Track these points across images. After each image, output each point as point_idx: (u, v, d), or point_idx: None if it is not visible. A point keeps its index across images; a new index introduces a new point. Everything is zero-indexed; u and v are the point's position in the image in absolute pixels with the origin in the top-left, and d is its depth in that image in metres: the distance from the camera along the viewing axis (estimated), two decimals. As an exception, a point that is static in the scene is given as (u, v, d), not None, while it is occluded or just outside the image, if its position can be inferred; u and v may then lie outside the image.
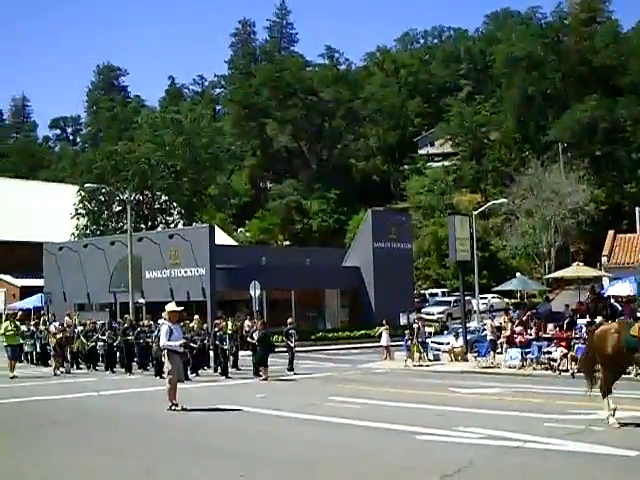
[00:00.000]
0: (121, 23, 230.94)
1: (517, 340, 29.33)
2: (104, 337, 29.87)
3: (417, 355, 32.13)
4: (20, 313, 35.69)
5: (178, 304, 19.13)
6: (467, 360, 31.37)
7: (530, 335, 29.12)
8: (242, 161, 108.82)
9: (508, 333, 29.90)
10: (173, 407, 17.03)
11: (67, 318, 34.33)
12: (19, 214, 67.68)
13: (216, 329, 29.04)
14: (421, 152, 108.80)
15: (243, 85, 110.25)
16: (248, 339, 28.84)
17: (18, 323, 29.32)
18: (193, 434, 14.42)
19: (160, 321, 20.02)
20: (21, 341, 28.93)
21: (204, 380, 25.95)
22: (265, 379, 25.34)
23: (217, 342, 28.22)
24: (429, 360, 32.27)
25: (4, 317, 47.80)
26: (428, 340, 33.96)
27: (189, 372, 25.84)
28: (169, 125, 69.77)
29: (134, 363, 29.27)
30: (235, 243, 78.03)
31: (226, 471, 11.02)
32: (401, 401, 18.84)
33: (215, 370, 28.42)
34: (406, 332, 32.48)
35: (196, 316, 30.26)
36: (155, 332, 20.10)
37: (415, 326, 32.59)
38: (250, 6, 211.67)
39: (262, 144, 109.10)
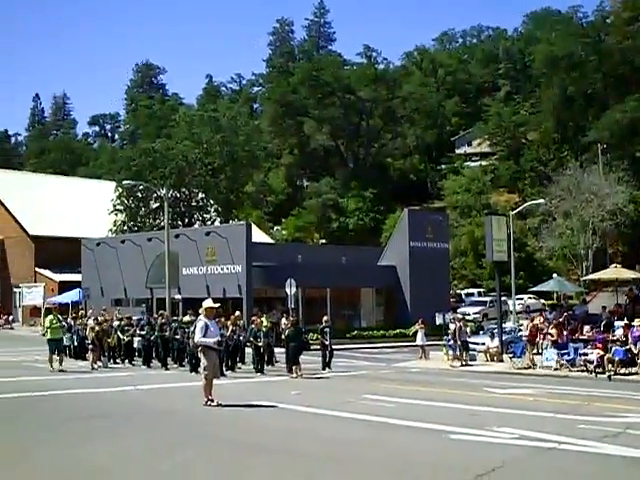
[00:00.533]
0: (160, 21, 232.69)
1: (553, 341, 29.19)
2: (142, 332, 30.07)
3: (451, 354, 32.05)
4: (56, 307, 36.12)
5: (214, 301, 19.22)
6: (502, 361, 31.27)
7: (566, 337, 28.99)
8: (279, 159, 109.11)
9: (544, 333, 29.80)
10: (209, 403, 17.13)
11: (103, 313, 34.73)
12: (58, 210, 68.39)
13: (252, 326, 29.17)
14: (458, 152, 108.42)
15: (281, 84, 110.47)
16: (283, 336, 29.06)
17: (60, 317, 29.60)
18: (227, 430, 14.52)
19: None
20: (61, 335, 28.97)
21: (239, 376, 26.09)
22: (296, 377, 25.38)
23: (252, 339, 28.34)
24: (465, 361, 31.97)
25: (44, 311, 48.34)
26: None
27: (224, 368, 26.01)
28: (207, 123, 70.09)
29: (170, 358, 29.43)
30: (271, 241, 78.23)
31: (260, 466, 11.08)
32: (435, 400, 18.82)
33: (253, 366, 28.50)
34: (449, 332, 32.30)
35: (237, 312, 30.45)
36: (191, 328, 20.19)
37: (452, 326, 32.44)
38: (288, 5, 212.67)
39: (299, 142, 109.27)
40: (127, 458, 11.63)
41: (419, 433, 14.07)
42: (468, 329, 31.78)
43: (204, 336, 17.38)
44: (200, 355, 17.83)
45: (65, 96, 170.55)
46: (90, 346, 29.77)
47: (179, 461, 11.36)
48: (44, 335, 30.98)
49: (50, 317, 27.75)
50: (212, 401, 17.16)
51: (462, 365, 30.66)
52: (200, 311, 18.27)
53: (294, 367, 25.87)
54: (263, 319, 31.45)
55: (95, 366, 28.31)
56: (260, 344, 27.92)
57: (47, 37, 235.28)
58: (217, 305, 18.89)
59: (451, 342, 31.83)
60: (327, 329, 29.06)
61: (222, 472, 10.74)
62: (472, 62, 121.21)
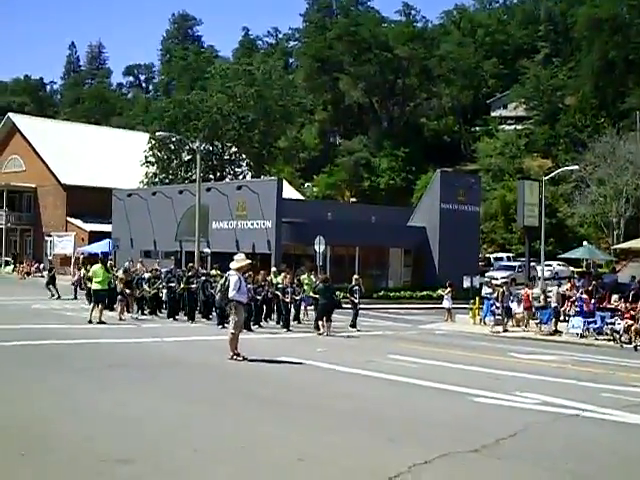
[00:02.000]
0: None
1: (580, 309, 29.09)
2: (171, 284, 30.18)
3: (491, 320, 31.80)
4: (82, 257, 36.38)
5: (246, 256, 19.25)
6: (528, 325, 31.20)
7: (594, 305, 28.86)
8: (313, 115, 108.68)
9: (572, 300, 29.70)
10: (235, 357, 17.28)
11: (138, 264, 34.76)
12: (91, 159, 68.73)
13: (278, 281, 29.29)
14: (494, 114, 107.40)
15: (317, 39, 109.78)
16: (311, 293, 29.16)
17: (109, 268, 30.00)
18: (249, 383, 14.64)
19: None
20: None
21: (266, 332, 26.24)
22: (322, 333, 25.46)
23: (279, 294, 28.45)
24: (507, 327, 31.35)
25: (82, 259, 48.69)
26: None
27: (251, 323, 26.17)
28: (241, 76, 69.84)
29: (197, 311, 29.60)
30: (302, 197, 78.22)
31: (278, 421, 11.18)
32: (459, 363, 18.85)
33: (277, 322, 28.68)
34: (492, 296, 32.02)
35: (262, 271, 30.56)
36: (220, 281, 20.06)
37: (487, 290, 32.27)
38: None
39: (334, 99, 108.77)
40: (149, 405, 11.78)
41: (441, 394, 14.13)
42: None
43: (237, 292, 17.46)
44: (231, 310, 17.93)
45: (101, 45, 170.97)
46: (119, 297, 29.92)
47: (202, 411, 11.51)
48: (86, 284, 31.25)
49: (98, 267, 27.39)
50: (238, 355, 17.30)
51: (504, 331, 30.33)
52: (231, 266, 18.25)
53: (323, 324, 25.88)
54: (304, 276, 31.68)
55: (123, 317, 28.44)
56: (287, 300, 28.04)
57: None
58: (249, 261, 18.92)
59: (493, 307, 31.52)
60: (356, 288, 29.12)
61: (233, 423, 10.84)
62: (512, 23, 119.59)
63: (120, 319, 27.92)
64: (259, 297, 27.67)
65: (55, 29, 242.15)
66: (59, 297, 38.35)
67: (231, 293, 17.56)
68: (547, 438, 10.68)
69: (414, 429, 10.96)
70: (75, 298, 37.91)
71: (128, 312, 29.68)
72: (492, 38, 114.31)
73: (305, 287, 30.53)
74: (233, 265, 18.18)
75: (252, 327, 26.03)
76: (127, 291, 29.65)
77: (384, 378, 15.64)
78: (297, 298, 29.49)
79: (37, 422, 10.37)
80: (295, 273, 34.09)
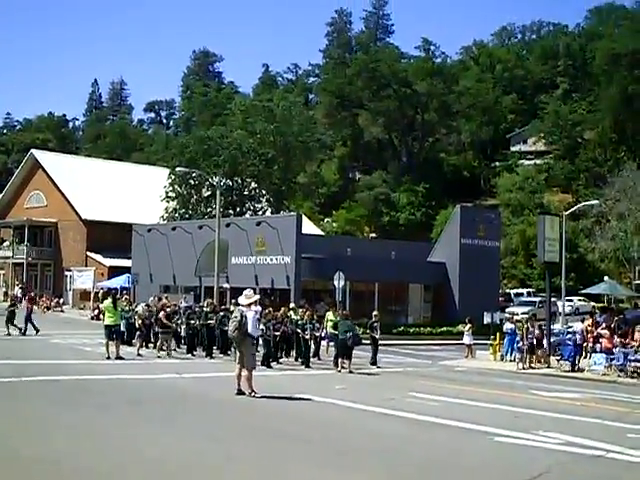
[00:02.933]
0: (218, 9, 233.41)
1: (603, 345, 28.75)
2: (190, 320, 30.11)
3: (518, 356, 31.46)
4: (102, 292, 36.16)
5: (263, 291, 19.31)
6: (549, 363, 30.85)
7: (616, 341, 28.50)
8: (332, 151, 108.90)
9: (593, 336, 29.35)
10: (253, 393, 17.17)
11: (159, 299, 34.61)
12: (111, 195, 69.02)
13: (297, 317, 29.15)
14: (513, 149, 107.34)
15: (337, 75, 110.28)
16: (331, 329, 29.02)
17: (121, 302, 29.79)
18: (269, 421, 14.54)
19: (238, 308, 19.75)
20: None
21: (285, 369, 26.07)
22: (343, 370, 25.26)
23: (298, 330, 28.29)
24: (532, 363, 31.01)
25: (101, 295, 48.71)
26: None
27: (270, 360, 26.04)
28: (261, 112, 70.17)
29: (215, 347, 29.48)
30: (321, 233, 78.22)
31: (299, 458, 11.05)
32: (480, 401, 18.65)
33: (296, 359, 28.48)
34: (518, 332, 31.62)
35: (283, 308, 30.43)
36: (236, 317, 19.71)
37: (509, 326, 32.01)
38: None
39: (353, 134, 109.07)
40: (165, 442, 11.68)
41: (462, 434, 13.95)
42: (536, 331, 31.06)
43: (255, 328, 17.44)
44: (247, 346, 17.83)
45: (122, 82, 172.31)
46: (137, 332, 29.90)
47: (218, 449, 11.39)
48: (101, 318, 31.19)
49: (108, 302, 27.31)
50: (256, 392, 17.28)
51: (530, 367, 29.98)
52: (241, 301, 18.17)
53: (343, 361, 25.64)
54: (329, 313, 31.53)
55: (141, 352, 28.37)
56: (307, 336, 27.85)
57: (106, 23, 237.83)
58: (257, 297, 18.81)
59: (520, 344, 31.10)
60: (376, 324, 28.93)
61: (257, 461, 10.72)
62: (530, 58, 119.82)
63: (138, 354, 27.85)
64: (277, 333, 27.49)
65: (78, 67, 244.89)
66: (23, 332, 35.61)
67: (252, 329, 17.46)
68: (572, 480, 10.51)
69: (435, 470, 10.81)
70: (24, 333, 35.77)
71: (146, 348, 29.57)
72: (511, 73, 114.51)
73: (329, 323, 30.38)
74: (243, 301, 18.14)
75: (271, 364, 25.88)
76: (143, 329, 29.64)
77: (404, 417, 15.48)
78: (317, 334, 29.31)
79: (49, 460, 10.28)
80: (314, 309, 33.97)
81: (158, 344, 28.95)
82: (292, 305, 33.09)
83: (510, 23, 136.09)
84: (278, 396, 17.53)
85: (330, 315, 31.33)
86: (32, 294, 36.77)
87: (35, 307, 57.84)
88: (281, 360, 28.02)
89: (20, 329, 35.60)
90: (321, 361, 29.03)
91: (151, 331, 31.66)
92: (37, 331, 35.83)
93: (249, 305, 17.96)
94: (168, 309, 29.85)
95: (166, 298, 34.91)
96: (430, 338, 44.29)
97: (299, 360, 27.90)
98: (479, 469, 10.93)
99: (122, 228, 60.02)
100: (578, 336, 29.74)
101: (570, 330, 32.68)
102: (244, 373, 17.54)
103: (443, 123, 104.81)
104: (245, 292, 18.48)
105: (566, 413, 17.02)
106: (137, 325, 30.09)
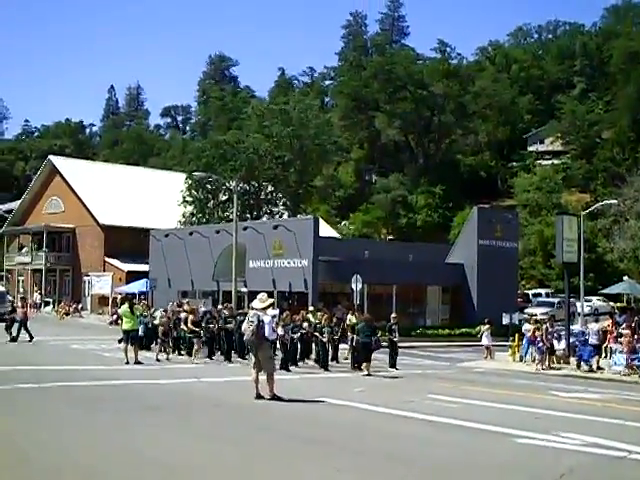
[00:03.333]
0: (234, 14, 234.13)
1: (623, 345, 28.56)
2: (209, 325, 30.08)
3: (537, 357, 31.40)
4: (120, 297, 35.97)
5: (280, 294, 19.37)
6: (569, 363, 30.69)
7: (637, 341, 28.31)
8: (349, 153, 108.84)
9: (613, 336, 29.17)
10: (275, 398, 17.18)
11: (179, 305, 34.50)
12: (128, 200, 69.24)
13: (316, 321, 29.11)
14: (530, 149, 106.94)
15: (353, 77, 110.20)
16: (349, 332, 28.98)
17: (138, 307, 29.68)
18: (289, 425, 14.49)
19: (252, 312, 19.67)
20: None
21: (303, 372, 26.02)
22: (365, 374, 25.14)
23: (316, 334, 28.23)
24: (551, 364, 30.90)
25: (119, 300, 48.71)
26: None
27: (289, 363, 26.02)
28: (277, 116, 70.21)
29: (233, 351, 29.45)
30: (338, 236, 78.16)
31: (318, 462, 11.00)
32: (500, 402, 18.53)
33: (316, 361, 28.39)
34: (538, 334, 31.43)
35: (302, 311, 30.38)
36: (253, 321, 19.53)
37: (528, 327, 31.85)
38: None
39: (370, 137, 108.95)
40: (186, 447, 11.64)
41: (483, 435, 13.85)
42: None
43: (273, 332, 17.45)
44: (263, 350, 17.76)
45: (139, 87, 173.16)
46: (159, 339, 29.89)
47: (236, 452, 11.35)
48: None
49: (125, 307, 27.33)
50: (278, 396, 17.34)
51: (549, 368, 29.84)
52: (256, 305, 18.07)
53: (364, 364, 25.56)
54: (351, 316, 31.48)
55: (160, 357, 28.35)
56: (325, 339, 27.79)
57: (121, 30, 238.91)
58: (272, 300, 18.83)
59: (540, 344, 30.90)
60: (394, 327, 28.81)
61: (275, 465, 10.67)
62: (547, 58, 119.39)
63: (157, 360, 27.84)
64: (296, 336, 27.44)
65: (94, 73, 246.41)
66: (14, 339, 34.06)
67: (269, 333, 17.47)
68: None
69: (454, 472, 10.72)
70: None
71: (165, 352, 29.54)
72: (527, 74, 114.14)
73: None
74: (258, 305, 17.98)
75: (289, 367, 25.85)
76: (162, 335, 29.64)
77: (424, 419, 15.39)
78: (335, 337, 29.24)
79: (66, 466, 10.27)
80: (332, 312, 33.92)
81: (194, 349, 28.68)
82: (311, 308, 33.03)
83: (526, 23, 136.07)
84: (296, 399, 17.47)
85: (353, 318, 31.27)
86: (27, 301, 35.27)
87: (36, 314, 57.60)
88: (299, 363, 27.97)
89: (13, 337, 33.99)
90: (339, 364, 28.96)
91: (169, 337, 31.74)
92: (31, 338, 34.04)
93: (264, 309, 17.85)
94: (191, 315, 29.72)
95: (187, 303, 34.77)
96: (449, 340, 44.15)
97: (318, 363, 27.84)
98: (500, 471, 10.84)
99: (140, 233, 60.21)
100: (594, 336, 29.54)
101: (574, 330, 32.54)
102: (262, 377, 17.45)
103: (459, 124, 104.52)
104: (259, 296, 18.39)
105: (587, 414, 16.88)
106: (158, 331, 30.09)
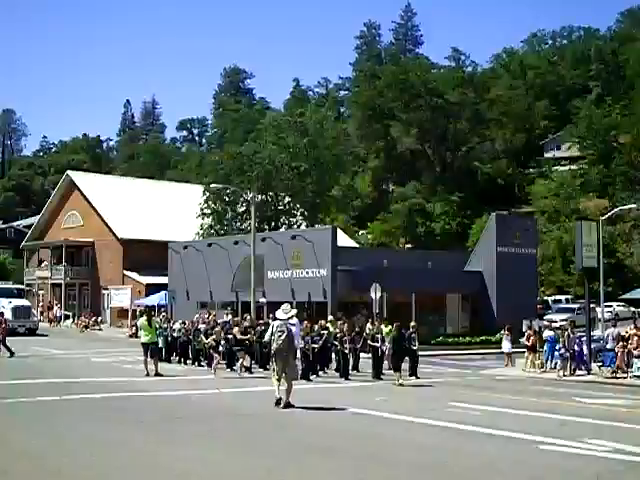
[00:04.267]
0: (248, 27, 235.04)
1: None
2: (228, 335, 30.00)
3: (538, 362, 31.38)
4: (139, 310, 35.94)
5: (299, 305, 19.57)
6: (591, 369, 30.49)
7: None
8: (365, 163, 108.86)
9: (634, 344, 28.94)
10: (290, 406, 17.40)
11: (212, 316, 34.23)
12: (146, 213, 69.45)
13: (336, 330, 29.03)
14: (547, 155, 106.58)
15: (368, 87, 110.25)
16: (369, 341, 28.86)
17: (157, 320, 29.66)
18: (311, 434, 14.47)
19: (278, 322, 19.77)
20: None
21: (324, 381, 25.97)
22: (401, 384, 24.83)
23: (336, 343, 28.15)
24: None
25: (138, 313, 48.85)
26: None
27: (310, 373, 25.96)
28: (293, 127, 70.30)
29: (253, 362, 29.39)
30: (357, 245, 78.08)
31: (342, 472, 10.96)
32: (523, 409, 18.44)
33: (337, 371, 28.31)
34: (560, 339, 31.21)
35: (321, 321, 30.31)
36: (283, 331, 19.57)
37: (547, 333, 31.73)
38: (375, 8, 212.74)
39: (386, 146, 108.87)
40: (210, 459, 11.63)
41: (507, 442, 13.77)
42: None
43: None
44: (291, 359, 18.06)
45: (154, 101, 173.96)
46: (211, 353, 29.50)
47: (261, 464, 11.32)
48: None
49: (143, 320, 27.28)
50: (292, 405, 17.52)
51: (571, 374, 29.68)
52: (280, 316, 18.27)
53: (400, 373, 25.14)
54: (383, 326, 31.32)
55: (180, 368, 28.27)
56: (346, 350, 27.58)
57: (137, 44, 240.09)
58: (295, 311, 19.01)
59: (562, 351, 30.69)
60: (414, 335, 28.67)
61: (300, 476, 10.64)
62: (562, 64, 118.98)
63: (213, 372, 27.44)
64: (316, 346, 27.32)
65: (110, 88, 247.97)
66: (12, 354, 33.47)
67: (298, 342, 18.11)
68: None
69: (481, 480, 10.67)
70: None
71: (185, 364, 29.50)
72: (543, 79, 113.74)
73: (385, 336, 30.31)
74: (282, 315, 18.22)
75: (310, 377, 25.79)
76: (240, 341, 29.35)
77: (447, 426, 15.33)
78: (357, 347, 29.16)
79: (87, 477, 10.29)
80: (352, 321, 33.83)
81: (239, 363, 28.07)
82: (330, 318, 32.90)
83: (540, 29, 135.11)
84: (318, 407, 17.48)
85: (384, 328, 31.15)
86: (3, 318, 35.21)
87: (56, 327, 57.36)
88: (320, 373, 27.90)
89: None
90: (360, 373, 28.86)
91: (189, 348, 31.79)
92: (11, 354, 33.27)
93: (288, 319, 18.05)
94: (236, 327, 29.50)
95: (210, 314, 34.69)
96: (469, 347, 43.94)
97: (339, 372, 27.76)
98: (524, 478, 10.77)
99: (158, 246, 60.29)
100: (612, 342, 29.35)
101: (595, 336, 32.33)
102: (284, 386, 17.62)
103: (476, 132, 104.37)
104: (283, 307, 18.55)
105: (612, 420, 16.76)
106: (208, 345, 30.07)
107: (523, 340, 33.00)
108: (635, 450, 12.73)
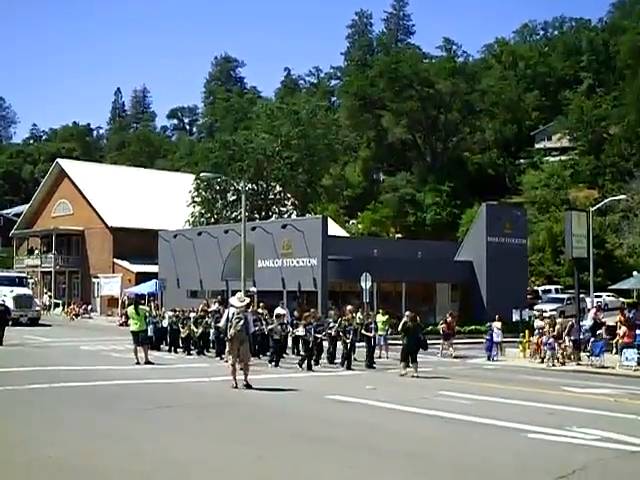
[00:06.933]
0: (238, 14, 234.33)
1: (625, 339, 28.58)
2: (218, 324, 29.96)
3: (528, 352, 31.52)
4: (128, 298, 35.87)
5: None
6: (580, 359, 30.61)
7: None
8: (356, 153, 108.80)
9: (622, 333, 29.08)
10: (248, 386, 19.04)
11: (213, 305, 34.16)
12: (136, 202, 69.34)
13: (341, 320, 28.70)
14: (538, 146, 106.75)
15: (359, 77, 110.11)
16: (363, 331, 28.67)
17: (145, 308, 29.57)
18: (299, 422, 14.50)
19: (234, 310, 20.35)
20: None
21: (318, 370, 25.87)
22: (403, 375, 24.47)
23: (341, 334, 27.64)
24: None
25: (127, 301, 48.81)
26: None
27: (312, 362, 25.88)
28: (286, 116, 70.14)
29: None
30: (347, 235, 78.10)
31: (331, 459, 10.99)
32: (512, 398, 18.51)
33: (330, 362, 28.06)
34: (545, 330, 31.24)
35: (332, 306, 30.25)
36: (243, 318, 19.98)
37: (540, 323, 31.84)
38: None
39: (377, 136, 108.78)
40: (198, 447, 11.65)
41: (496, 431, 13.83)
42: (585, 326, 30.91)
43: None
44: (246, 343, 19.51)
45: (145, 90, 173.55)
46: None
47: (249, 452, 11.34)
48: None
49: (131, 309, 27.16)
50: (251, 386, 19.08)
51: (561, 364, 29.78)
52: (235, 303, 19.73)
53: (407, 365, 24.65)
54: (380, 316, 31.33)
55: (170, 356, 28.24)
56: (348, 341, 27.23)
57: (127, 32, 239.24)
58: (248, 301, 20.98)
59: (550, 340, 30.74)
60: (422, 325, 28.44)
61: (287, 463, 10.67)
62: (553, 54, 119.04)
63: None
64: (319, 336, 26.94)
65: (101, 76, 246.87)
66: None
67: (251, 328, 20.06)
68: (609, 477, 10.35)
69: (471, 468, 10.69)
70: None
71: (175, 352, 29.51)
72: (534, 70, 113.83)
73: (380, 325, 30.26)
74: (237, 303, 19.72)
75: (311, 366, 25.59)
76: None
77: (436, 415, 15.38)
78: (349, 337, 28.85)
79: (85, 466, 10.30)
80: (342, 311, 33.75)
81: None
82: (350, 307, 32.26)
83: (532, 20, 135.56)
84: (307, 395, 17.48)
85: (380, 317, 31.10)
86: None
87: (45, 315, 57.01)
88: (320, 362, 27.50)
89: None
90: (354, 362, 28.73)
91: (179, 336, 31.81)
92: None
93: (246, 307, 19.92)
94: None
95: (217, 302, 34.71)
96: (458, 337, 43.93)
97: (342, 363, 27.37)
98: (513, 466, 10.82)
99: (148, 234, 60.25)
100: (590, 321, 29.60)
101: (585, 326, 32.46)
102: (239, 367, 19.11)
103: (466, 122, 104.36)
104: (237, 295, 20.79)
105: (599, 409, 16.85)
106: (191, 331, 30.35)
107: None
108: (622, 439, 12.80)
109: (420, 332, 26.01)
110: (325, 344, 28.08)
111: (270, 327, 28.11)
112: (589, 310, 42.97)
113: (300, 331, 26.50)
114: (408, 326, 25.19)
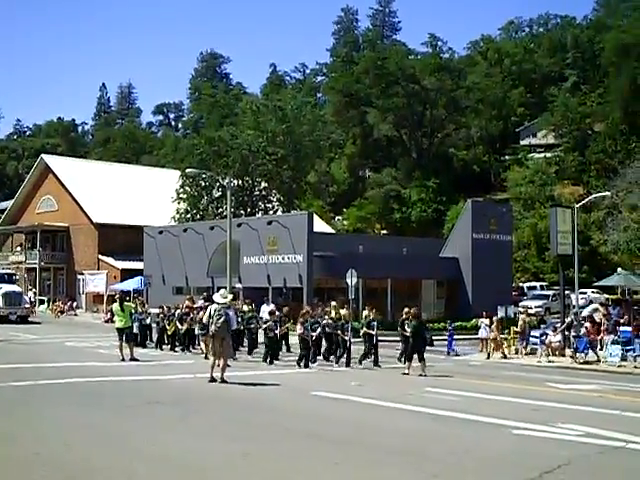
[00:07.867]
0: (225, 10, 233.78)
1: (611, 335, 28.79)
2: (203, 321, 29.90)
3: (513, 348, 31.66)
4: (120, 294, 35.63)
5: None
6: (565, 355, 30.75)
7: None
8: (342, 149, 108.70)
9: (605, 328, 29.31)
10: (223, 382, 19.34)
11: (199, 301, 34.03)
12: (122, 198, 69.13)
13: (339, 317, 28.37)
14: (523, 143, 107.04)
15: (345, 73, 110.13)
16: (365, 329, 28.16)
17: (130, 305, 29.43)
18: (286, 419, 14.51)
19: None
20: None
21: (318, 367, 25.76)
22: (406, 374, 24.05)
23: (338, 331, 27.40)
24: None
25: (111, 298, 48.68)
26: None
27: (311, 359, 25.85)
28: (271, 112, 70.07)
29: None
30: (333, 231, 78.12)
31: (317, 455, 11.01)
32: (497, 394, 18.57)
33: (326, 359, 27.72)
34: (542, 326, 31.27)
35: (333, 302, 30.21)
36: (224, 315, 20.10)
37: (545, 319, 31.94)
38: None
39: (362, 132, 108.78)
40: (184, 445, 11.64)
41: (480, 427, 13.89)
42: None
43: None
44: (228, 339, 20.08)
45: (130, 85, 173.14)
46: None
47: (235, 448, 11.34)
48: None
49: (116, 305, 26.92)
50: (214, 380, 19.40)
51: (574, 360, 29.82)
52: (219, 300, 20.16)
53: (411, 364, 24.05)
54: (366, 312, 31.11)
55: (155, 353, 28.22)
56: (347, 337, 27.03)
57: (113, 28, 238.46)
58: (230, 297, 21.73)
59: (544, 337, 30.84)
60: (407, 321, 28.19)
61: (272, 459, 10.68)
62: (539, 51, 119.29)
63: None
64: (314, 333, 26.59)
65: (86, 72, 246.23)
66: None
67: (234, 325, 21.15)
68: (593, 472, 10.41)
69: (456, 464, 10.73)
70: None
71: (161, 349, 29.50)
72: (519, 67, 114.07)
73: (363, 321, 30.02)
74: (219, 300, 20.15)
75: (309, 364, 25.46)
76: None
77: (422, 411, 15.43)
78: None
79: (73, 463, 10.27)
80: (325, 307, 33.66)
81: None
82: (333, 304, 32.01)
83: (517, 17, 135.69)
84: (295, 391, 17.49)
85: (366, 313, 30.91)
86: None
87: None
88: (317, 358, 27.22)
89: None
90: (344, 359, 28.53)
91: (165, 333, 31.73)
92: None
93: (232, 302, 20.97)
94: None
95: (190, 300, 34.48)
96: (444, 334, 44.00)
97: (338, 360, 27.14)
98: (498, 462, 10.86)
99: (133, 231, 60.15)
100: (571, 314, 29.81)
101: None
102: (220, 363, 19.41)
103: (452, 119, 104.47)
104: (220, 292, 21.03)
105: (584, 405, 16.94)
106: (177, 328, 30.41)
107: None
108: (606, 434, 12.87)
109: (425, 329, 25.63)
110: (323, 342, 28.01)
111: (265, 326, 27.94)
112: (574, 307, 43.22)
113: (298, 329, 26.35)
114: (414, 325, 24.79)
